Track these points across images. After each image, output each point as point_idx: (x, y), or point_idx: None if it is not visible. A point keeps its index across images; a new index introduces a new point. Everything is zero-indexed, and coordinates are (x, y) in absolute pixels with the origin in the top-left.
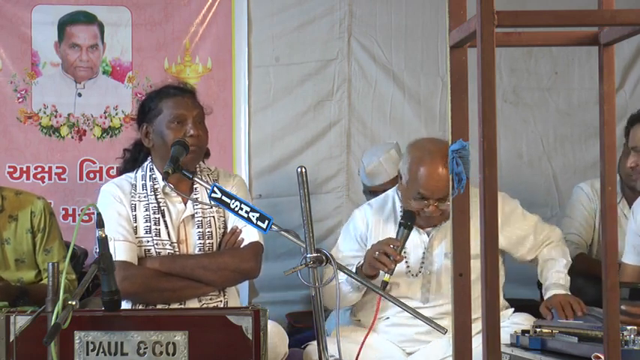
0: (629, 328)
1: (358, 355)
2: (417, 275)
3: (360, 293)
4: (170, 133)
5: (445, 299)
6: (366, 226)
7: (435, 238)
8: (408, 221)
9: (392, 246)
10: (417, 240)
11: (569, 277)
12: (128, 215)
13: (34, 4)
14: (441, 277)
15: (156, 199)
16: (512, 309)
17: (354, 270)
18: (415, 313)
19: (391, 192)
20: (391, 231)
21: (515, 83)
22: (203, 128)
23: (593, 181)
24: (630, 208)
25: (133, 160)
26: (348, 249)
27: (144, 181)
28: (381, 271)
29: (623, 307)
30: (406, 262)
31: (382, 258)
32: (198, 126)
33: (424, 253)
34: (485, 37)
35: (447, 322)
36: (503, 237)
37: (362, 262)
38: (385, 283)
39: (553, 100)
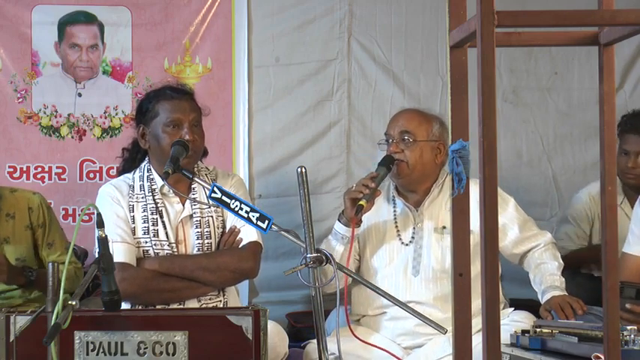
0: (629, 328)
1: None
2: (407, 244)
3: (344, 246)
4: (166, 137)
5: (433, 272)
6: None
7: (423, 215)
8: (385, 161)
9: (370, 178)
10: (408, 217)
11: (563, 279)
12: (126, 216)
13: (34, 4)
14: (431, 251)
15: (154, 199)
16: (512, 308)
17: (337, 220)
18: (415, 313)
19: (388, 182)
20: (384, 212)
21: (515, 83)
22: (199, 132)
23: (590, 189)
24: (630, 206)
25: (131, 159)
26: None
27: (141, 182)
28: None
29: (627, 306)
30: (398, 233)
31: (359, 187)
32: (194, 130)
33: (414, 228)
34: (485, 37)
35: (442, 315)
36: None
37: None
38: (360, 207)
39: (553, 100)
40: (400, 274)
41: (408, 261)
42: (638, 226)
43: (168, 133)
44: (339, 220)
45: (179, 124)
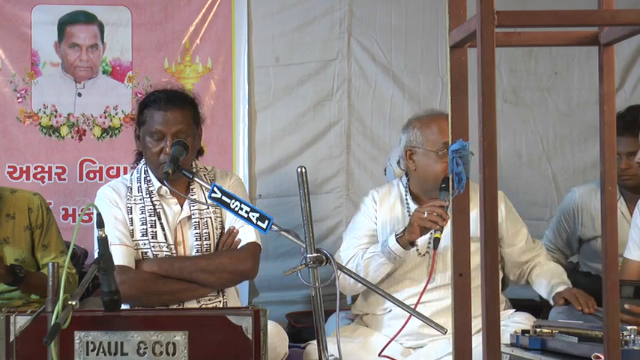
0: (629, 328)
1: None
2: (424, 255)
3: (393, 265)
4: (149, 147)
5: (449, 280)
6: (373, 203)
7: None
8: (448, 183)
9: (439, 206)
10: None
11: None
12: (124, 219)
13: (34, 4)
14: (447, 258)
15: (151, 201)
16: (513, 310)
17: (394, 240)
18: (416, 313)
19: (395, 181)
20: (398, 213)
21: (515, 83)
22: (191, 141)
23: (581, 188)
24: (627, 206)
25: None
26: (365, 228)
27: (139, 184)
28: (422, 236)
29: (626, 306)
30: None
31: (432, 216)
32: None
33: (431, 233)
34: (485, 37)
35: (446, 319)
36: (504, 227)
37: (399, 231)
38: (437, 240)
39: (553, 100)
40: (413, 281)
41: (423, 268)
42: (637, 232)
43: (151, 143)
44: (396, 241)
45: (161, 138)
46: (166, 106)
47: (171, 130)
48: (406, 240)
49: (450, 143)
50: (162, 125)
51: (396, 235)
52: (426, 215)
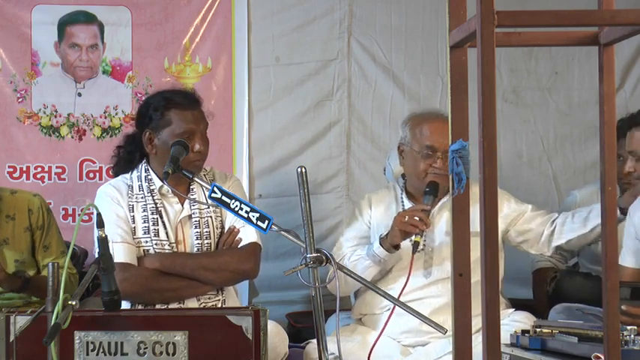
0: (629, 328)
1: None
2: (419, 251)
3: (379, 267)
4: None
5: (446, 274)
6: (369, 206)
7: (435, 215)
8: (434, 189)
9: (422, 211)
10: None
11: None
12: (126, 216)
13: (34, 4)
14: (442, 253)
15: (153, 199)
16: (513, 309)
17: (377, 243)
18: (415, 313)
19: (391, 183)
20: (393, 213)
21: (515, 83)
22: (207, 141)
23: (582, 191)
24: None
25: (130, 159)
26: (357, 229)
27: (140, 182)
28: (407, 239)
29: (623, 308)
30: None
31: (413, 221)
32: (203, 140)
33: (410, 239)
34: (485, 37)
35: (445, 317)
36: (501, 220)
37: (384, 234)
38: (417, 244)
39: (553, 100)
40: (411, 276)
41: (420, 264)
42: (630, 238)
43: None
44: (380, 245)
45: (191, 135)
46: (191, 105)
47: (200, 128)
48: (389, 243)
49: (449, 143)
50: (192, 123)
51: (380, 239)
52: (407, 219)
